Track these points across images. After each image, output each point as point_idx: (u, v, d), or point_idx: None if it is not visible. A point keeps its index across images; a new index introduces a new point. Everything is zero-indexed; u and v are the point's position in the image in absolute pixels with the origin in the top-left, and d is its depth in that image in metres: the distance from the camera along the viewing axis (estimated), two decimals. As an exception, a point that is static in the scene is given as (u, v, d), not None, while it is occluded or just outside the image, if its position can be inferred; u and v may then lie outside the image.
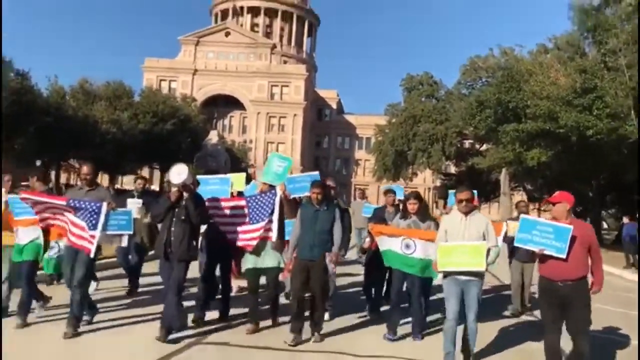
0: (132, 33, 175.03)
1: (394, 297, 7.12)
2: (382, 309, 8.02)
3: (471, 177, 41.97)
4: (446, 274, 5.89)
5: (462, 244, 5.74)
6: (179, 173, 6.22)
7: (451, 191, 9.61)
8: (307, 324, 6.68)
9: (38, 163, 36.97)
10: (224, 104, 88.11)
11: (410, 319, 7.15)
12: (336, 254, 6.80)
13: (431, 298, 7.85)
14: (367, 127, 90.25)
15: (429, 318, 7.76)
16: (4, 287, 6.93)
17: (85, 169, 7.00)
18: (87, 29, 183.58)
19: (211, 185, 7.84)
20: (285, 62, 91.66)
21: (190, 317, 6.88)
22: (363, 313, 8.07)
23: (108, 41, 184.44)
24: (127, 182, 55.64)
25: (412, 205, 7.06)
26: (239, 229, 7.03)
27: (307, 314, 6.72)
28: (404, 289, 7.10)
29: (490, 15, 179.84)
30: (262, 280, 7.25)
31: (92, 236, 6.28)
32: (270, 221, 6.86)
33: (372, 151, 54.74)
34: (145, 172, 68.40)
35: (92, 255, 6.47)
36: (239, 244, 7.09)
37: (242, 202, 7.13)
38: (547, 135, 22.20)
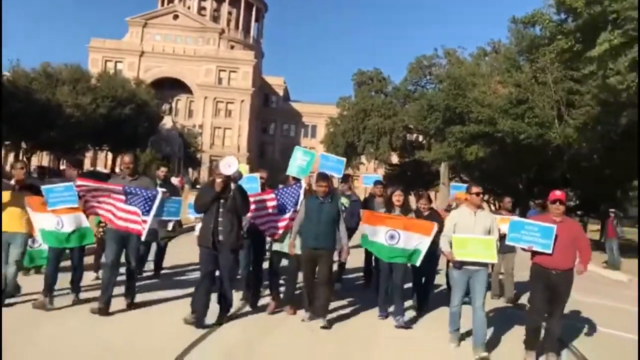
0: (76, 12, 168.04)
1: (380, 288, 7.48)
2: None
3: (414, 168, 45.95)
4: (456, 266, 6.20)
5: (475, 237, 6.09)
6: (229, 165, 6.27)
7: (456, 185, 10.70)
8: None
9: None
10: (170, 86, 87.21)
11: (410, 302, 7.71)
12: (347, 249, 7.11)
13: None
14: (313, 115, 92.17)
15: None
16: (11, 270, 6.77)
17: (126, 159, 7.11)
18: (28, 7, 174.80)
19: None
20: (232, 47, 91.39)
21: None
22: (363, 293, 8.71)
23: (51, 20, 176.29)
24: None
25: (397, 198, 7.37)
26: (268, 219, 7.38)
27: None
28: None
29: (438, 16, 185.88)
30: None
31: (145, 221, 6.51)
32: (296, 211, 7.17)
33: (323, 141, 57.77)
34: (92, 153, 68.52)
35: (142, 238, 6.72)
36: (268, 232, 7.48)
37: (271, 195, 7.51)
38: (487, 137, 26.02)
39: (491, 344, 6.40)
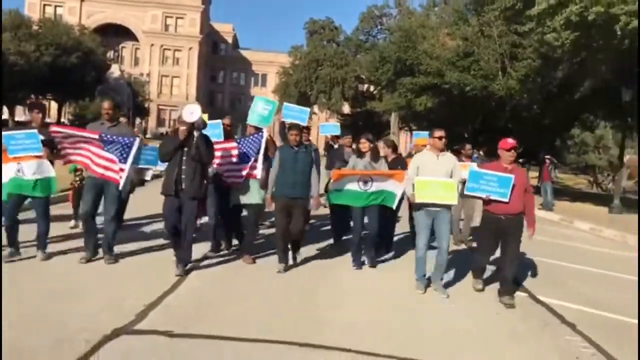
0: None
1: (355, 238, 7.42)
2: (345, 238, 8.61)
3: (366, 118, 47.09)
4: (418, 207, 6.35)
5: (437, 179, 6.24)
6: (191, 112, 6.16)
7: (419, 132, 10.85)
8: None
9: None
10: (115, 33, 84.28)
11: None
12: (317, 199, 7.10)
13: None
14: (263, 63, 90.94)
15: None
16: None
17: (106, 104, 6.96)
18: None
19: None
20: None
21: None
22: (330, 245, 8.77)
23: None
24: (18, 112, 54.46)
25: (363, 145, 7.41)
26: (230, 168, 7.32)
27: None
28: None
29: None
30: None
31: (122, 169, 6.44)
32: (256, 160, 7.17)
33: (275, 91, 57.88)
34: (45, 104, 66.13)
35: (120, 187, 6.60)
36: (229, 180, 7.40)
37: (233, 144, 7.39)
38: (435, 88, 27.17)
39: (448, 283, 6.85)
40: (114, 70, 56.11)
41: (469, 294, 6.58)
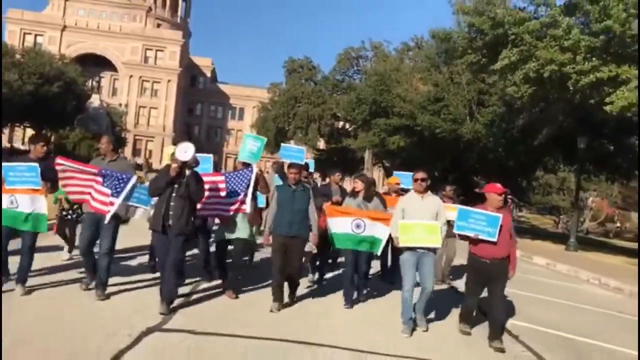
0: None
1: (346, 281, 7.48)
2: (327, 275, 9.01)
3: (341, 154, 48.70)
4: (405, 249, 6.35)
5: (421, 222, 6.28)
6: (185, 150, 6.20)
7: (399, 173, 10.98)
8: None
9: None
10: (94, 63, 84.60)
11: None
12: (315, 235, 7.07)
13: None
14: (240, 97, 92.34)
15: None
16: None
17: (103, 140, 7.05)
18: None
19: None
20: (159, 26, 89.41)
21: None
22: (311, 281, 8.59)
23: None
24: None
25: (357, 185, 7.58)
26: (217, 201, 7.28)
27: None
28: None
29: (366, 8, 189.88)
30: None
31: (112, 202, 6.41)
32: (246, 195, 7.17)
33: (254, 125, 59.34)
34: (20, 131, 66.26)
35: (106, 221, 6.49)
36: (215, 214, 7.49)
37: (221, 178, 7.42)
38: (407, 129, 28.96)
39: (431, 319, 7.01)
40: (94, 100, 56.62)
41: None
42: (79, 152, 39.92)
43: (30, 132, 60.50)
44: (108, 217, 6.43)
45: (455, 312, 7.23)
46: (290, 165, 7.20)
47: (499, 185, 6.36)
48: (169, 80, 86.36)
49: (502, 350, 6.02)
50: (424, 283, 6.40)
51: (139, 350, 4.99)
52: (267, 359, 5.28)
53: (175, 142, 68.39)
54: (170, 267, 6.21)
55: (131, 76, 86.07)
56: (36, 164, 6.36)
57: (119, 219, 6.82)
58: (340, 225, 7.32)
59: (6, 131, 63.59)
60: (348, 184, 9.73)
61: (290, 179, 6.99)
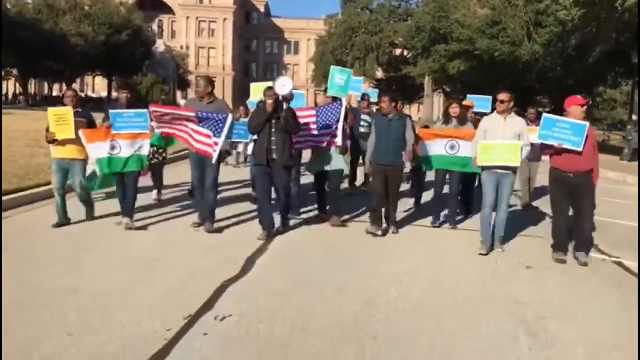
0: None
1: (436, 197, 7.75)
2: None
3: (399, 82, 49.62)
4: (485, 168, 6.23)
5: (502, 142, 6.08)
6: (284, 84, 6.31)
7: (473, 96, 10.61)
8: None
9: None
10: (152, 7, 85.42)
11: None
12: (410, 151, 7.03)
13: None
14: (295, 31, 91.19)
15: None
16: (79, 191, 7.00)
17: (202, 83, 7.04)
18: None
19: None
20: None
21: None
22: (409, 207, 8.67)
23: None
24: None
25: (454, 110, 7.58)
26: (310, 134, 7.42)
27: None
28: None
29: None
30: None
31: (216, 143, 6.52)
32: (337, 128, 7.24)
33: (313, 59, 60.50)
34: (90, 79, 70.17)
35: (213, 161, 6.67)
36: (307, 146, 7.62)
37: (312, 112, 7.51)
38: (467, 54, 29.77)
39: (509, 241, 6.69)
40: (159, 45, 58.98)
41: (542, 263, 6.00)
42: (151, 98, 41.36)
43: (99, 80, 64.04)
44: (215, 156, 6.59)
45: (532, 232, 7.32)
46: (380, 94, 7.84)
47: (579, 96, 6.11)
48: (225, 19, 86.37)
49: (585, 264, 5.79)
50: (499, 204, 6.25)
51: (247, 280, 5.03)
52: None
53: (235, 81, 69.61)
54: (283, 193, 6.79)
55: (188, 17, 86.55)
56: (145, 110, 6.74)
57: (222, 156, 7.16)
58: (435, 148, 7.47)
59: (78, 80, 67.24)
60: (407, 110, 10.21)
61: (383, 108, 7.11)
